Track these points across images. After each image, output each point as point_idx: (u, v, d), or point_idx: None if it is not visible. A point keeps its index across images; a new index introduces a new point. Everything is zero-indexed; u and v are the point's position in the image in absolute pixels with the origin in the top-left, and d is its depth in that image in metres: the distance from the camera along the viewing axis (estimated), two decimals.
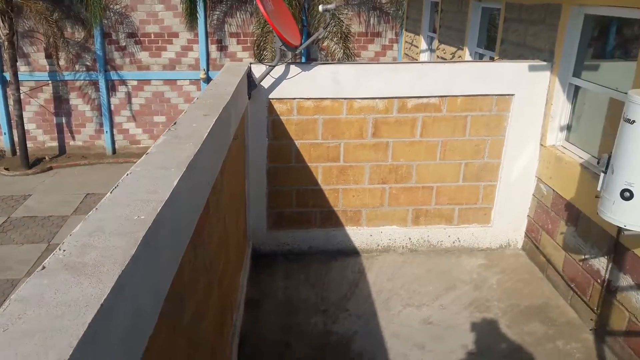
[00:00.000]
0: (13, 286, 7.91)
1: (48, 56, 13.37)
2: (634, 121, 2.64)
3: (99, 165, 13.41)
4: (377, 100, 4.35)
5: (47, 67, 13.52)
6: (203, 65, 14.02)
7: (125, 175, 1.94)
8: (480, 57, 6.11)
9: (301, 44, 4.41)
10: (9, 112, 13.56)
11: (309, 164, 4.52)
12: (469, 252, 4.68)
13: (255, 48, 12.58)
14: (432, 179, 4.55)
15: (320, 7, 4.43)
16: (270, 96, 4.33)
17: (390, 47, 15.29)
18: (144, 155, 2.15)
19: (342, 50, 13.50)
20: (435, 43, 7.75)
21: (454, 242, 4.72)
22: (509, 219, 4.65)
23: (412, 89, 4.30)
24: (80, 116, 13.95)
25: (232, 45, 14.15)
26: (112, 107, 13.95)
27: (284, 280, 4.25)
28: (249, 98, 4.28)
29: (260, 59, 12.33)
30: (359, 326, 3.66)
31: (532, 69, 4.23)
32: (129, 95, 13.99)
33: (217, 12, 13.89)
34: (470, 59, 6.24)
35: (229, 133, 3.17)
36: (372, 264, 4.52)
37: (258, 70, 4.25)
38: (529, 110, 4.33)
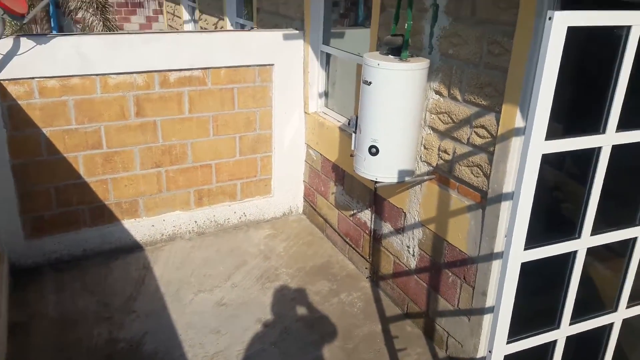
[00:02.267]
0: None
1: None
2: (370, 82, 2.86)
3: None
4: (134, 75, 3.94)
5: None
6: None
7: None
8: (241, 27, 6.08)
9: (29, 12, 3.70)
10: None
11: (65, 155, 3.91)
12: (256, 224, 4.71)
13: None
14: (209, 157, 4.39)
15: None
16: (1, 77, 3.58)
17: (155, 19, 14.40)
18: None
19: (100, 23, 12.16)
20: (197, 14, 7.49)
21: (240, 218, 4.68)
22: (287, 187, 4.80)
23: (172, 61, 4.01)
24: None
25: None
26: None
27: (55, 294, 3.65)
28: None
29: None
30: (149, 326, 3.37)
31: (286, 37, 4.33)
32: None
33: None
34: (232, 28, 6.17)
35: None
36: (157, 256, 4.20)
37: None
38: (289, 80, 4.45)
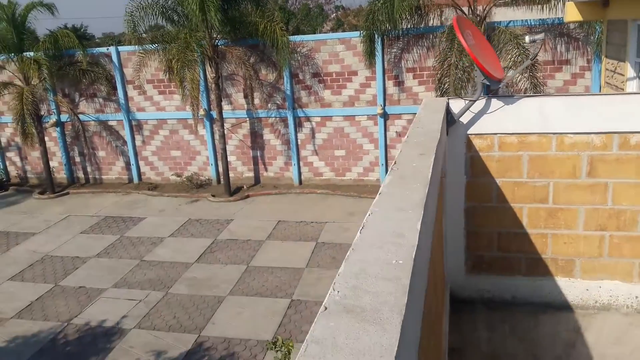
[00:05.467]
0: (219, 302, 8.90)
1: (245, 96, 15.11)
2: None
3: (288, 194, 14.56)
4: (592, 135, 3.89)
5: (245, 105, 15.26)
6: (380, 101, 14.43)
7: (367, 215, 1.98)
8: None
9: (504, 77, 4.20)
10: (215, 145, 15.60)
11: (512, 205, 4.21)
12: None
13: (437, 82, 12.52)
14: None
15: (527, 38, 4.21)
16: (469, 132, 4.18)
17: (581, 75, 13.93)
18: (378, 195, 2.19)
19: (528, 80, 12.69)
20: None
21: None
22: None
23: (636, 123, 3.75)
24: (272, 150, 15.40)
25: (409, 80, 14.33)
26: (299, 142, 15.11)
27: (487, 331, 3.96)
28: (447, 134, 4.20)
29: (441, 93, 12.23)
30: None
31: None
32: (313, 131, 15.02)
33: (394, 49, 14.24)
34: None
35: (439, 171, 3.12)
36: (589, 323, 3.96)
37: (456, 105, 4.15)
38: None
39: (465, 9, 13.07)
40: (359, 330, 1.21)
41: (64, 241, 12.34)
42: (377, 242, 1.71)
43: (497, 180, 4.21)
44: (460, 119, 4.19)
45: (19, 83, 15.49)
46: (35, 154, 17.10)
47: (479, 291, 4.37)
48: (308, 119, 14.90)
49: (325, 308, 1.32)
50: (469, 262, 4.39)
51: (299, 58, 14.59)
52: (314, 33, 24.98)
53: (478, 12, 12.96)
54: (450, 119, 4.17)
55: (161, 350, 7.67)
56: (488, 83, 4.12)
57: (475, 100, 4.07)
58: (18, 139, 16.24)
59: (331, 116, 14.79)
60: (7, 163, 17.95)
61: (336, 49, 14.41)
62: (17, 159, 17.91)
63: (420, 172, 2.44)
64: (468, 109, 4.13)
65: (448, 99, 4.27)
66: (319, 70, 14.56)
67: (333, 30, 27.95)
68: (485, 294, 4.36)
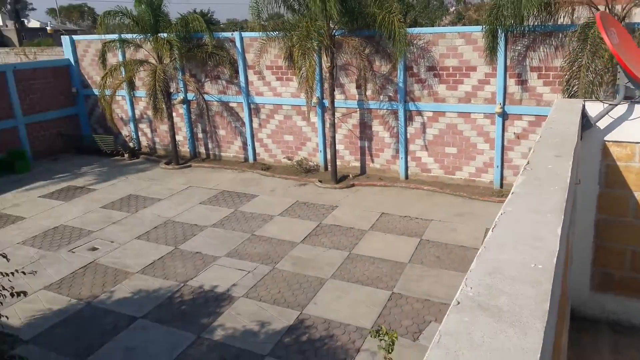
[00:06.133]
0: (321, 284, 9.16)
1: (358, 87, 15.16)
2: None
3: (393, 187, 14.45)
4: None
5: (357, 96, 15.33)
6: (499, 99, 13.69)
7: (499, 214, 1.91)
8: None
9: None
10: (324, 133, 15.93)
11: None
12: None
13: (564, 84, 11.57)
14: None
15: None
16: (606, 138, 3.84)
17: None
18: (510, 195, 2.10)
19: None
20: None
21: None
22: None
23: None
24: (380, 141, 15.35)
25: (532, 79, 13.41)
26: (408, 136, 14.88)
27: (612, 354, 3.64)
28: (580, 139, 3.88)
29: (569, 95, 11.30)
30: None
31: None
32: (424, 126, 14.70)
33: (518, 47, 13.38)
34: None
35: (574, 176, 2.90)
36: None
37: (592, 108, 3.83)
38: None
39: (602, 8, 11.88)
40: (497, 330, 1.18)
41: (185, 209, 13.41)
42: (511, 242, 1.65)
43: (635, 194, 3.83)
44: (597, 124, 3.86)
45: (153, 61, 16.98)
46: (163, 128, 18.70)
47: (605, 312, 4.02)
48: (420, 113, 14.59)
49: (458, 302, 1.31)
50: (595, 279, 4.05)
51: (415, 50, 14.29)
52: (432, 26, 24.26)
53: (616, 12, 11.71)
54: (585, 122, 3.86)
55: (265, 321, 8.07)
56: (633, 87, 3.74)
57: (616, 105, 3.73)
58: (149, 113, 17.86)
59: (444, 112, 14.33)
60: (140, 134, 19.86)
61: (455, 43, 13.89)
62: (147, 131, 19.73)
63: (558, 175, 2.29)
64: (607, 113, 3.79)
65: (584, 100, 3.95)
66: (434, 63, 14.15)
67: (452, 23, 26.99)
68: (611, 315, 4.00)
